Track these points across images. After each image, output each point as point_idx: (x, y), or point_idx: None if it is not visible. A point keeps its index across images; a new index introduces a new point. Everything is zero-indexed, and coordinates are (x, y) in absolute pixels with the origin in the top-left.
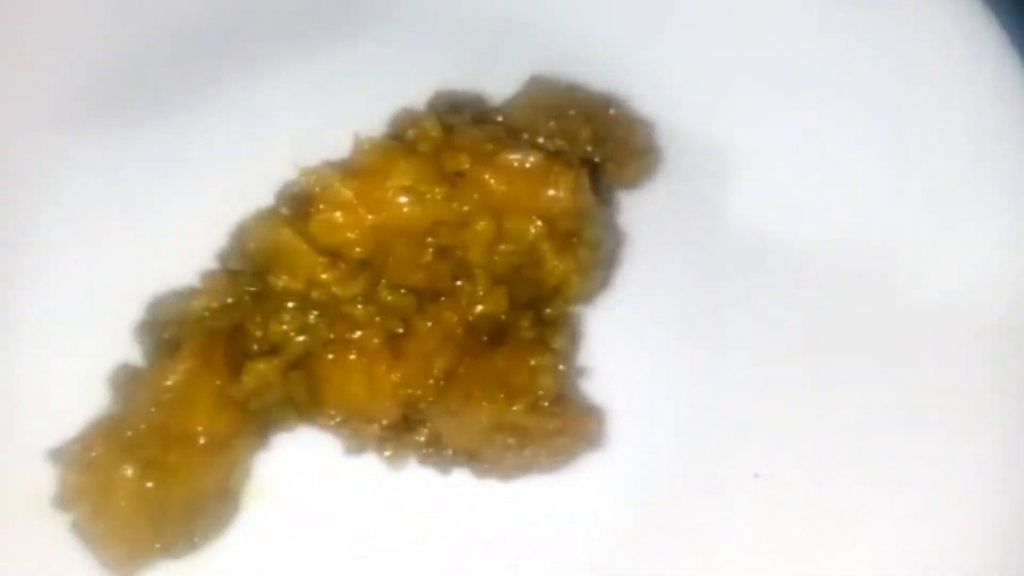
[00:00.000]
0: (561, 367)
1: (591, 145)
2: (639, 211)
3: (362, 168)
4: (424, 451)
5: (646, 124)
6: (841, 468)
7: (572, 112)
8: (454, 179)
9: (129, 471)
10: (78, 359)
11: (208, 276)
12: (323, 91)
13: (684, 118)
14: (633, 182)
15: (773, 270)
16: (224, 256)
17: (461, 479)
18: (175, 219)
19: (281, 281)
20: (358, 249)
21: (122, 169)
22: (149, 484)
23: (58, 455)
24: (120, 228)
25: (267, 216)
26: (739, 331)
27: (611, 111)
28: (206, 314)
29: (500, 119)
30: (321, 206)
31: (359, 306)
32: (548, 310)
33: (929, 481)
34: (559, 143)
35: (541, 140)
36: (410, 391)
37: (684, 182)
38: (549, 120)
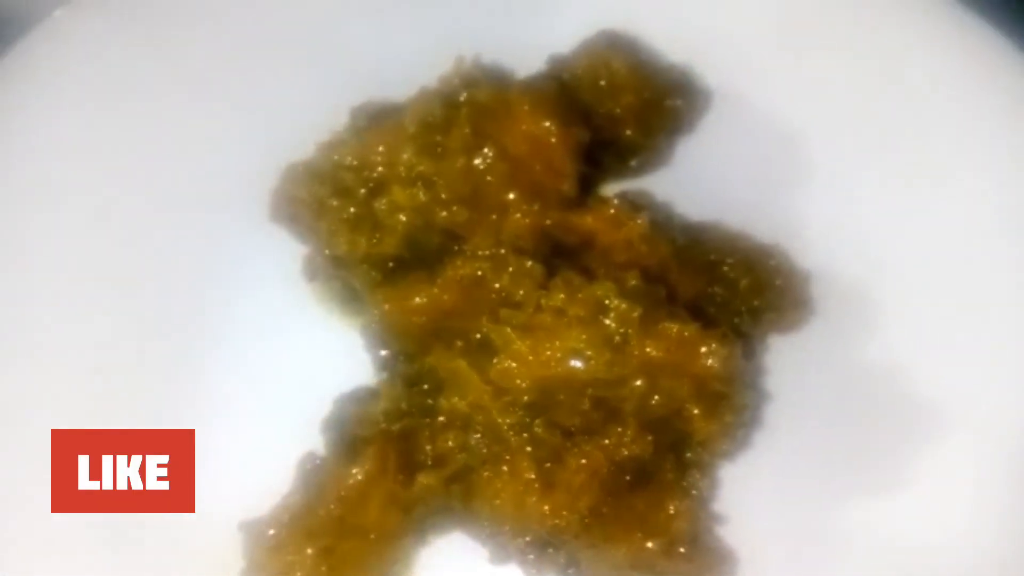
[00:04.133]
0: (698, 512)
1: (750, 293)
2: (789, 356)
3: (539, 327)
4: (563, 572)
5: (804, 275)
6: None
7: (732, 260)
8: (617, 344)
9: (309, 554)
10: (273, 442)
11: (387, 383)
12: None
13: (837, 269)
14: (788, 329)
15: (913, 422)
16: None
17: None
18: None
19: (450, 402)
20: (526, 398)
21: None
22: (323, 568)
23: (249, 530)
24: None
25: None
26: (876, 485)
27: (771, 262)
28: (382, 417)
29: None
30: (501, 356)
31: (514, 435)
32: (689, 454)
33: None
34: (716, 305)
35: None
36: (556, 522)
37: (834, 330)
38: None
